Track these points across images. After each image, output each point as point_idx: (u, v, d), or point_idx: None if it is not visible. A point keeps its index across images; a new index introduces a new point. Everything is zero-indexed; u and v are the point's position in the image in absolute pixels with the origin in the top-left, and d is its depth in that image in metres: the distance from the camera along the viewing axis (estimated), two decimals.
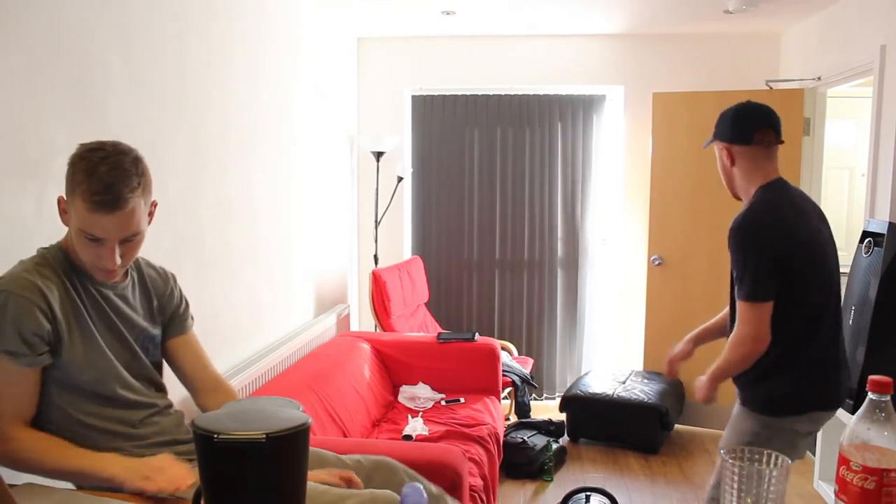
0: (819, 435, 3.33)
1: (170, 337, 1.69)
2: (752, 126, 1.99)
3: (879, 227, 2.99)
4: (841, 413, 3.01)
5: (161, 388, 1.66)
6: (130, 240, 1.42)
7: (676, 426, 4.17)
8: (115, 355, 1.52)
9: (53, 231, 1.82)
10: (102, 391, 1.50)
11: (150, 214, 1.51)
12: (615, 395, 3.95)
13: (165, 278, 1.70)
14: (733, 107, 2.03)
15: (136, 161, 1.42)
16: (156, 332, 1.65)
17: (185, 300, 1.73)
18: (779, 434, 1.92)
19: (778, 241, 1.87)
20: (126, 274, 1.60)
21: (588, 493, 2.41)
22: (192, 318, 1.75)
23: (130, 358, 1.57)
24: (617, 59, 4.58)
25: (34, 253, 1.49)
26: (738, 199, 2.05)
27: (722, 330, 2.17)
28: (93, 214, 1.36)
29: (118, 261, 1.42)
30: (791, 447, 1.92)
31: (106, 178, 1.35)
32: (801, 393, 1.93)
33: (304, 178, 3.67)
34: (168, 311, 1.68)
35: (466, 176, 4.80)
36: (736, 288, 1.93)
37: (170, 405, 1.67)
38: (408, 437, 2.98)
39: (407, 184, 4.76)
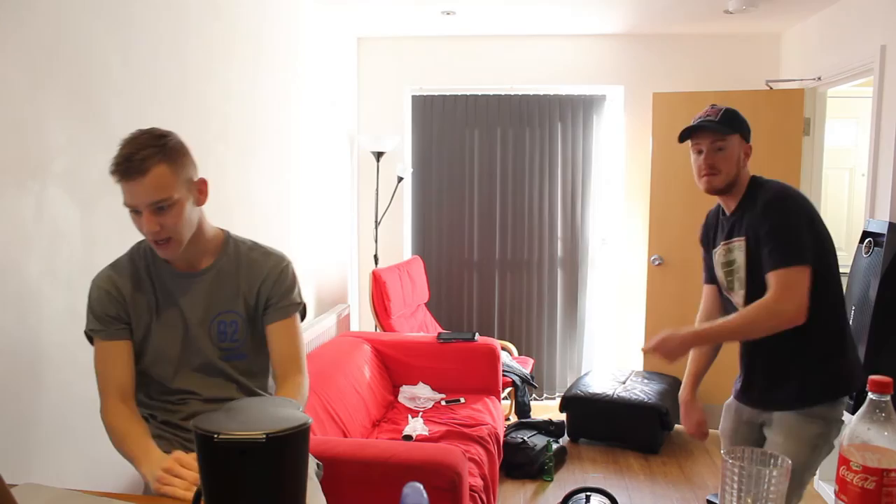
0: None
1: (266, 323, 1.69)
2: None
3: (879, 227, 2.99)
4: None
5: (230, 378, 1.67)
6: (164, 207, 1.49)
7: (676, 426, 4.17)
8: (172, 343, 1.62)
9: (53, 230, 1.83)
10: (155, 376, 1.64)
11: (201, 192, 1.60)
12: (615, 395, 3.95)
13: (268, 262, 1.70)
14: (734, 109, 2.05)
15: (161, 136, 1.51)
16: (237, 317, 1.66)
17: (290, 286, 1.70)
18: (836, 424, 1.90)
19: (814, 214, 1.89)
20: (212, 259, 1.66)
21: (588, 493, 2.41)
22: (298, 303, 1.71)
23: (193, 347, 1.63)
24: (617, 59, 4.58)
25: (33, 251, 1.50)
26: (718, 193, 2.02)
27: (711, 356, 2.19)
28: (121, 184, 1.47)
29: (156, 227, 1.49)
30: (837, 437, 1.92)
31: (126, 150, 1.47)
32: (852, 374, 1.93)
33: (304, 178, 3.67)
34: (264, 296, 1.68)
35: (466, 176, 4.80)
36: (769, 260, 1.84)
37: (226, 398, 1.63)
38: (408, 437, 2.98)
39: (407, 184, 4.76)
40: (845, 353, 1.93)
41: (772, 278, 1.83)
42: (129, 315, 1.61)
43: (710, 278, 2.19)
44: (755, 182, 1.99)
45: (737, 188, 2.00)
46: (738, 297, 2.01)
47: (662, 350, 1.90)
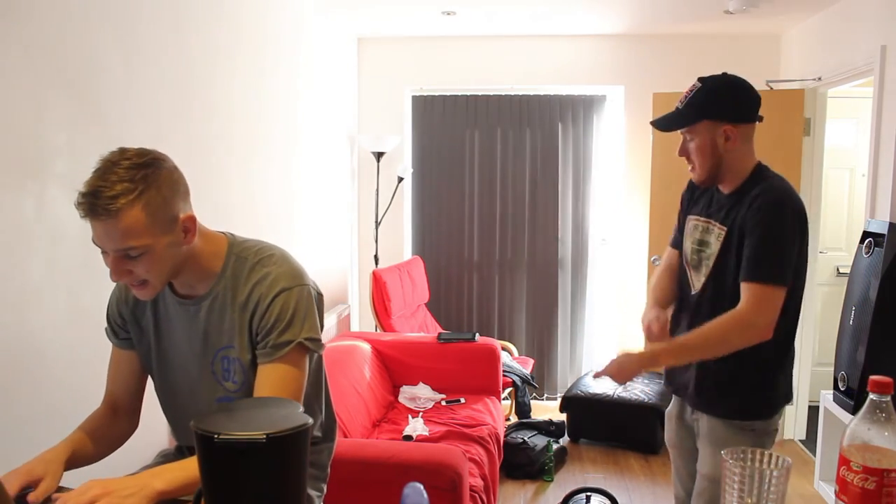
0: (819, 435, 3.33)
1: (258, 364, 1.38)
2: (757, 101, 1.86)
3: (880, 227, 2.99)
4: (841, 413, 3.01)
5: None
6: (132, 256, 1.24)
7: None
8: (171, 376, 1.48)
9: (53, 231, 1.83)
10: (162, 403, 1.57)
11: (186, 231, 1.32)
12: (615, 396, 3.95)
13: (261, 287, 1.38)
14: (724, 82, 1.87)
15: (138, 167, 1.22)
16: (235, 354, 1.40)
17: (280, 320, 1.36)
18: (770, 436, 1.85)
19: (805, 229, 1.78)
20: (212, 282, 1.40)
21: (588, 494, 2.40)
22: (288, 342, 1.35)
23: (190, 386, 1.46)
24: (617, 59, 4.58)
25: (33, 252, 1.49)
26: (705, 184, 1.88)
27: (670, 299, 2.04)
28: (86, 219, 1.22)
29: (123, 275, 1.26)
30: (771, 446, 1.86)
31: (95, 180, 1.21)
32: (790, 387, 1.89)
33: (305, 178, 3.67)
34: (254, 330, 1.38)
35: (466, 176, 4.80)
36: (751, 268, 1.73)
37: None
38: (408, 438, 2.98)
39: (407, 184, 4.76)
40: (786, 368, 1.87)
41: (748, 289, 1.72)
42: (130, 330, 1.50)
43: (679, 243, 2.02)
44: (760, 172, 1.83)
45: (732, 174, 1.82)
46: (697, 278, 1.89)
47: (618, 374, 1.83)
